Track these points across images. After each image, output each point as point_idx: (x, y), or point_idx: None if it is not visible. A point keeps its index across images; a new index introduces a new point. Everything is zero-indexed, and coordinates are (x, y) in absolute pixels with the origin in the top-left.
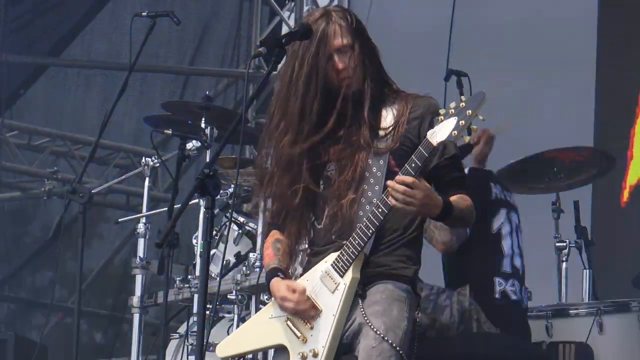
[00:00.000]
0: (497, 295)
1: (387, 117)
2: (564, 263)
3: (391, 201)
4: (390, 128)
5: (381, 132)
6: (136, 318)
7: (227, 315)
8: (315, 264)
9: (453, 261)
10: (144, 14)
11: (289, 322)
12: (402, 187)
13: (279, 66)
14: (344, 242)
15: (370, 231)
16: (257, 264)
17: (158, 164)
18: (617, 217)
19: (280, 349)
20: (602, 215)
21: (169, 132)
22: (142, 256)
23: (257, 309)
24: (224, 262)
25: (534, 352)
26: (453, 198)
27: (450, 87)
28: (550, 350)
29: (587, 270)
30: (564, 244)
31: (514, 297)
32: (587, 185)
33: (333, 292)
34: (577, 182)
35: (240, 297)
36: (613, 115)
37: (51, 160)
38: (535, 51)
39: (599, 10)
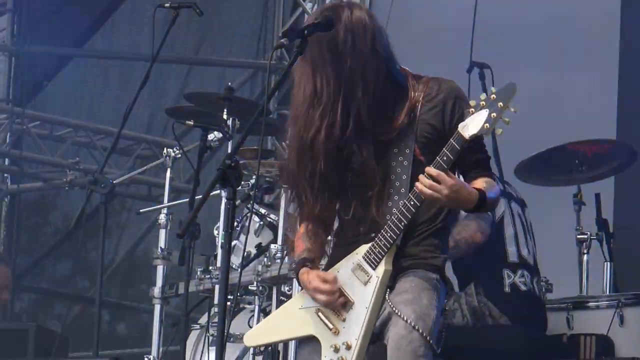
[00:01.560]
0: (507, 289)
1: (407, 105)
2: (585, 255)
3: (419, 191)
4: (411, 115)
5: (403, 120)
6: (157, 309)
7: (247, 306)
8: (342, 254)
9: (460, 260)
10: (166, 5)
11: (320, 314)
12: (428, 182)
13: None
14: (373, 234)
15: (403, 224)
16: (278, 255)
17: (180, 155)
18: (639, 210)
19: (306, 340)
20: (624, 208)
21: (191, 122)
22: (163, 247)
23: (278, 300)
24: (245, 253)
25: (550, 343)
26: (482, 184)
27: (473, 79)
28: (571, 342)
29: (608, 263)
30: (585, 236)
31: (524, 288)
32: (609, 177)
33: (365, 285)
34: (599, 174)
35: (261, 288)
36: (636, 108)
37: (73, 151)
38: (558, 44)
39: (621, 3)
